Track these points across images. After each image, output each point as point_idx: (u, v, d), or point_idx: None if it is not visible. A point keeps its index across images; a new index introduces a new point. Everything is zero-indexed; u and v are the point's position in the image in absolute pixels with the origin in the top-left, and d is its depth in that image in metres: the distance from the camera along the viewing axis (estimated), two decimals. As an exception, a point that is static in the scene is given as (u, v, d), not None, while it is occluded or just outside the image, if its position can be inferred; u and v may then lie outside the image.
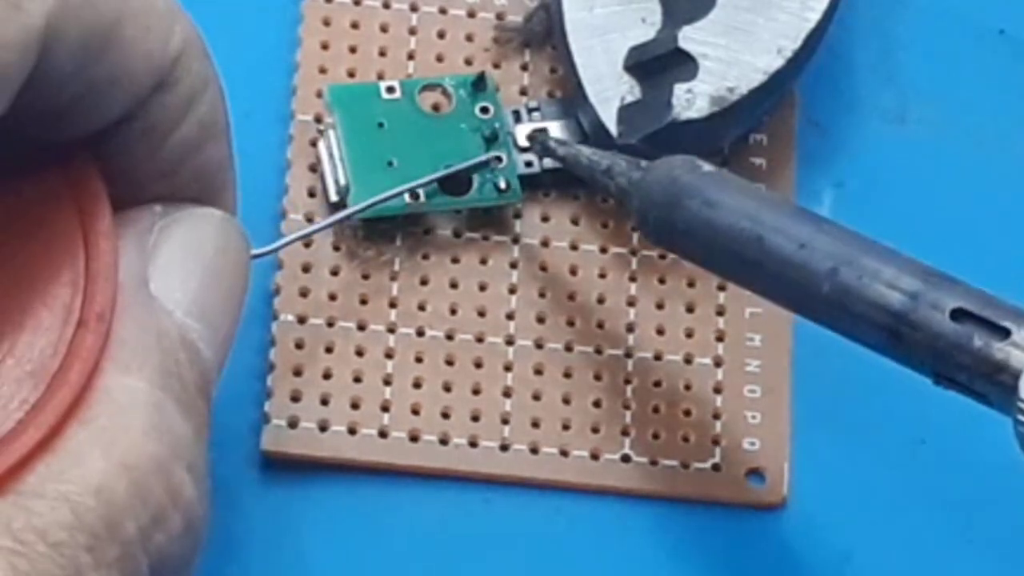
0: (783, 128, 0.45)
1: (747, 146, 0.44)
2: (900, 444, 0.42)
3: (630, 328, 0.42)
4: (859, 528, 0.41)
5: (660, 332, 0.42)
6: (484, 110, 0.43)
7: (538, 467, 0.41)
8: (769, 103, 0.43)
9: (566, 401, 0.41)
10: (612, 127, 0.42)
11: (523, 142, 0.43)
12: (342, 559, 0.41)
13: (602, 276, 0.42)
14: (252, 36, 0.45)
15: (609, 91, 0.43)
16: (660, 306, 0.42)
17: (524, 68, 0.44)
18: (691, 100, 0.42)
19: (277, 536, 0.40)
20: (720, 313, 0.42)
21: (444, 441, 0.40)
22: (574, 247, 0.42)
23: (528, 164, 0.43)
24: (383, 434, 0.40)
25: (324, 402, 0.40)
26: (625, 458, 0.40)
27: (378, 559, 0.41)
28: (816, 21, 0.43)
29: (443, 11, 0.44)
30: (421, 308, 0.41)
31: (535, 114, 0.43)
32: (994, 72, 0.47)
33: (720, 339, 0.42)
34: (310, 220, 0.42)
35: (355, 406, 0.40)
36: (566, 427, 0.41)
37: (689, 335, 0.42)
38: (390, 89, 0.43)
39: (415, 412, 0.40)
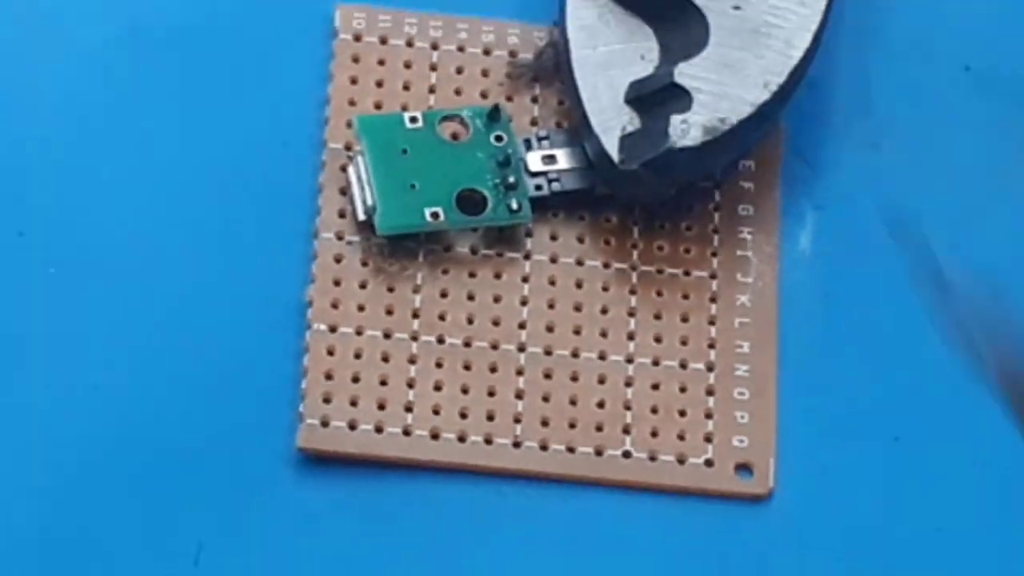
0: (770, 154, 0.45)
1: (737, 171, 0.44)
2: (877, 441, 0.42)
3: (631, 336, 0.42)
4: (840, 519, 0.41)
5: (658, 340, 0.42)
6: (498, 138, 0.43)
7: (547, 462, 0.40)
8: (757, 132, 0.43)
9: (572, 402, 0.41)
10: (614, 154, 0.42)
11: (533, 167, 0.43)
12: (369, 545, 0.40)
13: (605, 289, 0.42)
14: (289, 72, 0.45)
15: (611, 121, 0.42)
16: (658, 316, 0.42)
17: (534, 101, 0.44)
18: (686, 130, 0.42)
19: (311, 524, 0.40)
20: (712, 323, 0.42)
21: (462, 438, 0.40)
22: (580, 263, 0.42)
23: (538, 188, 0.43)
24: (407, 432, 0.40)
25: (353, 403, 0.40)
26: (626, 454, 0.40)
27: (401, 546, 0.40)
28: (799, 58, 0.42)
29: (461, 49, 0.44)
30: (441, 318, 0.41)
31: (544, 142, 0.43)
32: (960, 104, 0.47)
33: (712, 346, 0.42)
34: (340, 239, 0.42)
35: (381, 407, 0.40)
36: (572, 426, 0.40)
37: (684, 343, 0.42)
38: (413, 119, 0.43)
39: (435, 412, 0.40)
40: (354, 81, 0.44)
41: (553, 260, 0.42)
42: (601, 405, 0.41)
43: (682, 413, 0.40)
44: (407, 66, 0.44)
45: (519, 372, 0.41)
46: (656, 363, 0.41)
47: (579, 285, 0.42)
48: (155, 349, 0.42)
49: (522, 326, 0.41)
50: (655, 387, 0.41)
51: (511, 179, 0.42)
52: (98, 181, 0.44)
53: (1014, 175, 0.47)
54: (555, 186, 0.42)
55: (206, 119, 0.45)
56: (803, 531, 0.41)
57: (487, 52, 0.45)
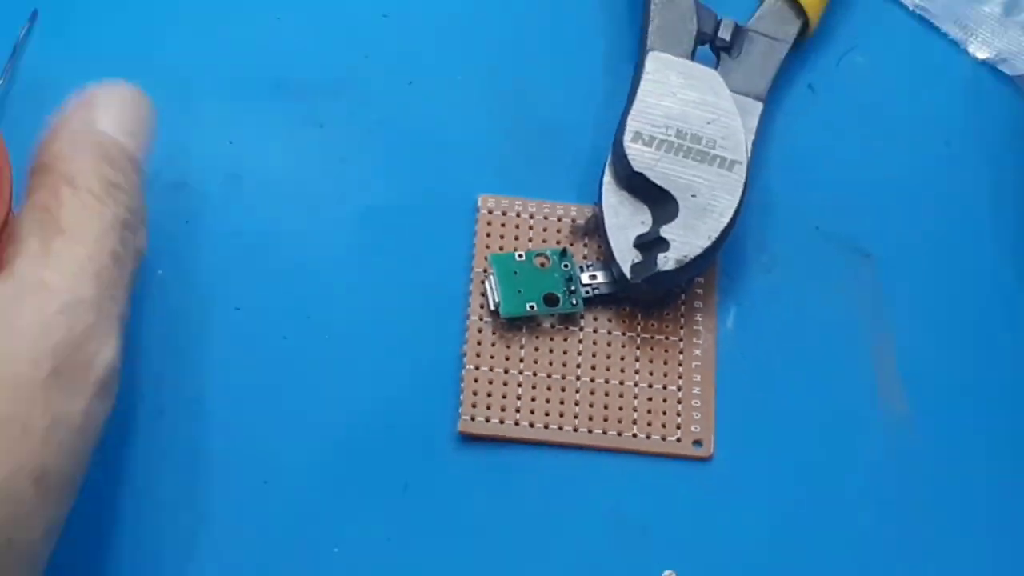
0: (711, 275, 0.49)
1: (693, 283, 0.49)
2: (769, 428, 0.47)
3: (636, 372, 0.47)
4: (751, 471, 0.47)
5: (651, 373, 0.47)
6: (565, 266, 0.48)
7: (593, 439, 0.46)
8: (704, 263, 0.47)
9: (605, 407, 0.46)
10: (628, 275, 0.47)
11: (585, 281, 0.47)
12: (496, 485, 0.46)
13: (623, 347, 0.47)
14: (453, 230, 0.50)
15: (626, 257, 0.47)
16: (651, 360, 0.47)
17: (585, 245, 0.49)
18: (666, 261, 0.46)
19: (466, 473, 0.46)
20: (680, 364, 0.47)
21: (547, 426, 0.46)
22: (609, 332, 0.47)
23: (587, 292, 0.47)
24: (516, 423, 0.46)
25: (488, 407, 0.46)
26: (635, 435, 0.46)
27: (513, 485, 0.46)
28: (727, 223, 0.47)
29: (545, 218, 0.49)
30: (535, 361, 0.47)
31: (590, 267, 0.48)
32: (813, 250, 0.51)
33: (680, 377, 0.47)
34: (480, 319, 0.47)
35: (503, 408, 0.46)
36: (605, 419, 0.46)
37: (665, 375, 0.47)
38: (520, 256, 0.48)
39: (531, 412, 0.46)
40: (488, 235, 0.49)
41: (595, 331, 0.47)
42: (621, 408, 0.46)
43: (664, 413, 0.47)
44: (516, 227, 0.49)
45: (577, 391, 0.47)
46: (650, 386, 0.47)
47: (609, 344, 0.47)
48: (381, 379, 0.47)
49: (578, 366, 0.47)
50: (649, 399, 0.47)
51: (572, 288, 0.47)
52: (351, 286, 0.49)
53: (847, 303, 0.50)
54: (596, 291, 0.48)
55: (408, 255, 0.49)
56: (730, 478, 0.47)
57: (559, 219, 0.49)
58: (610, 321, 0.48)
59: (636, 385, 0.47)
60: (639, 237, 0.48)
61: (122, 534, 0.45)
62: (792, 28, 0.52)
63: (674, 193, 0.47)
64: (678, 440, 0.47)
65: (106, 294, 0.36)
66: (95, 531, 0.45)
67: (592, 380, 0.47)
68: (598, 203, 0.48)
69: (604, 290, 0.48)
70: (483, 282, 0.48)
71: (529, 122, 0.52)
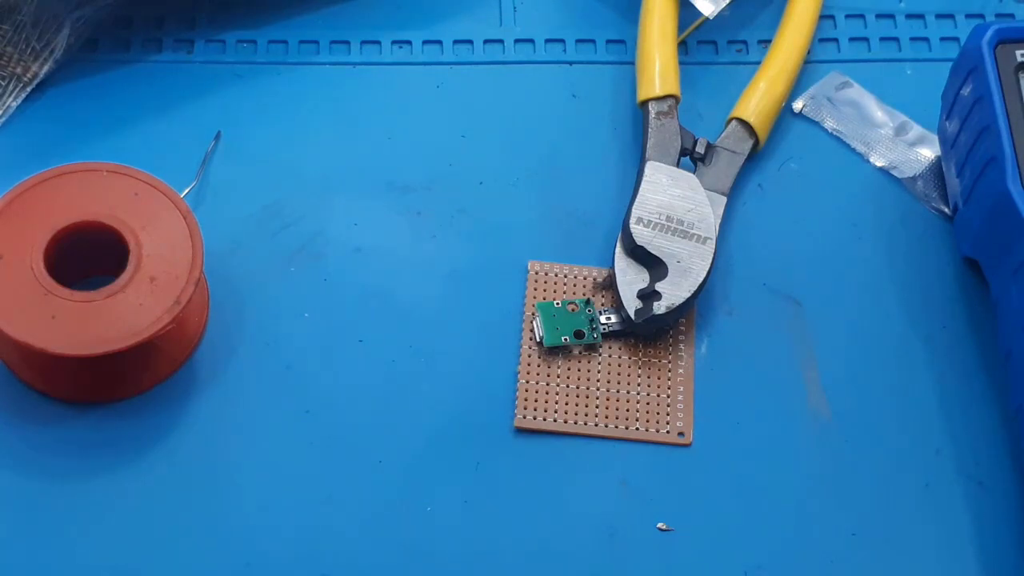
0: (690, 317, 0.51)
1: (679, 323, 0.51)
2: (728, 424, 0.49)
3: (638, 384, 0.49)
4: (718, 453, 0.49)
5: (648, 385, 0.49)
6: (589, 311, 0.50)
7: (610, 431, 0.49)
8: (686, 308, 0.50)
9: (617, 408, 0.49)
10: (633, 317, 0.49)
11: (602, 321, 0.50)
12: (546, 467, 0.48)
13: (629, 367, 0.50)
14: (512, 287, 0.51)
15: (631, 304, 0.50)
16: (648, 376, 0.50)
17: (603, 296, 0.51)
18: (659, 307, 0.49)
19: (519, 454, 0.48)
20: (668, 379, 0.49)
21: (574, 422, 0.49)
22: (619, 356, 0.50)
23: (604, 328, 0.50)
24: (555, 420, 0.49)
25: (535, 408, 0.49)
26: (637, 428, 0.49)
27: (557, 465, 0.48)
28: (702, 280, 0.49)
29: (575, 277, 0.51)
30: (567, 377, 0.49)
31: (607, 311, 0.50)
32: (761, 300, 0.51)
33: (669, 387, 0.49)
34: (531, 347, 0.49)
35: (546, 410, 0.49)
36: (616, 417, 0.49)
37: (657, 387, 0.49)
38: (558, 304, 0.50)
39: (564, 411, 0.49)
40: (535, 289, 0.51)
41: (610, 356, 0.50)
42: (627, 409, 0.49)
43: (657, 412, 0.49)
44: (555, 283, 0.51)
45: (597, 398, 0.49)
46: (648, 394, 0.50)
47: (619, 364, 0.50)
48: (461, 389, 0.49)
49: (598, 380, 0.50)
50: (647, 403, 0.49)
51: (594, 326, 0.50)
52: (439, 324, 0.50)
53: (784, 336, 0.50)
54: (610, 328, 0.50)
55: (479, 303, 0.51)
56: (703, 458, 0.49)
57: (585, 278, 0.51)
58: (620, 349, 0.51)
59: (638, 393, 0.50)
60: (640, 291, 0.51)
61: (273, 497, 0.47)
62: (747, 144, 0.54)
63: (664, 260, 0.50)
64: (667, 432, 0.50)
65: None
66: (261, 505, 0.47)
67: (607, 390, 0.50)
68: (612, 266, 0.51)
69: (616, 327, 0.51)
70: (532, 322, 0.51)
71: (564, 210, 0.54)
